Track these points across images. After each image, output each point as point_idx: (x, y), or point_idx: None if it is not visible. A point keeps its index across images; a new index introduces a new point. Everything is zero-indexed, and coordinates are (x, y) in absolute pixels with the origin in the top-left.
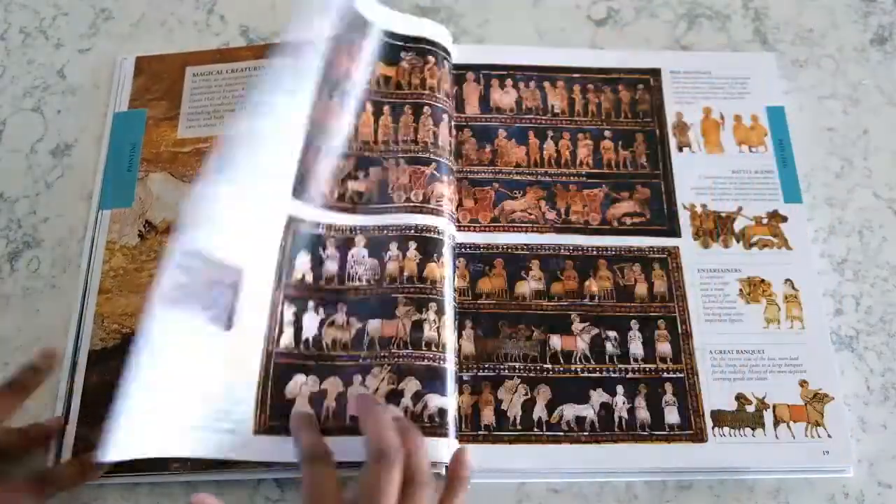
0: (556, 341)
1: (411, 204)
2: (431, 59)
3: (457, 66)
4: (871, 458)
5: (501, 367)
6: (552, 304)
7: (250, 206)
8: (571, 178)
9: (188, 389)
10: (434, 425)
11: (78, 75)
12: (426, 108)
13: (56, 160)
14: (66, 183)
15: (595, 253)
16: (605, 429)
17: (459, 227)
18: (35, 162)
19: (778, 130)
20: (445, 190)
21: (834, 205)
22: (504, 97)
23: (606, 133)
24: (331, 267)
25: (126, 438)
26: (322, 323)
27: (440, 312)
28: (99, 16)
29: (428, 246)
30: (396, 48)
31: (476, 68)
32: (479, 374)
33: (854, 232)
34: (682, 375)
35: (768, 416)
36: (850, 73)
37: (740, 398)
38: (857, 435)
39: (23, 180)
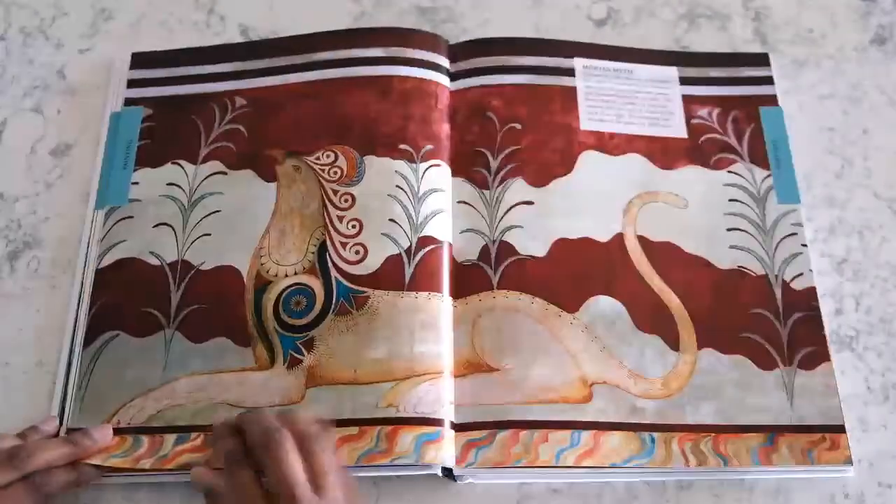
0: None
1: None
2: None
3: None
4: (871, 458)
5: None
6: None
7: None
8: None
9: None
10: None
11: (78, 75)
12: None
13: (56, 160)
14: (65, 183)
15: None
16: None
17: None
18: (35, 162)
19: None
20: None
21: (834, 205)
22: None
23: None
24: None
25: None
26: None
27: None
28: (99, 16)
29: None
30: None
31: None
32: None
33: (854, 232)
34: None
35: None
36: (850, 73)
37: None
38: (857, 435)
39: (23, 180)
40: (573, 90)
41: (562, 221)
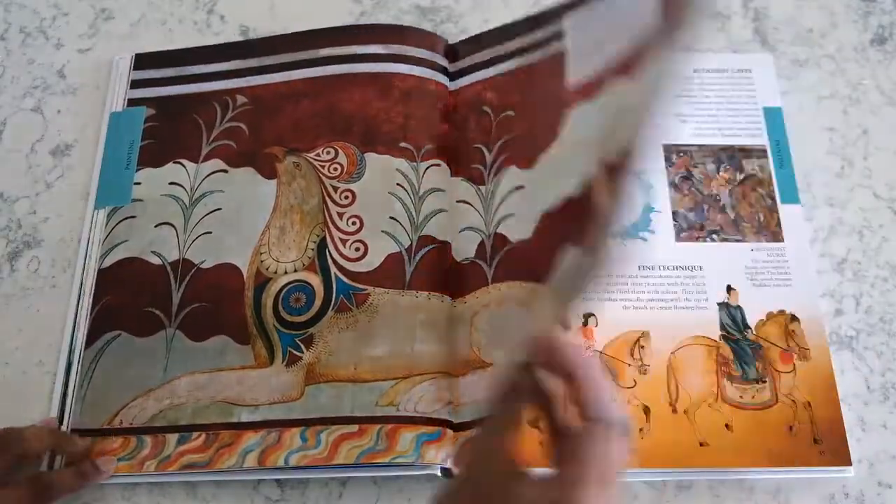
0: None
1: None
2: None
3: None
4: (871, 458)
5: None
6: None
7: None
8: None
9: None
10: None
11: (78, 75)
12: None
13: (56, 160)
14: (65, 183)
15: None
16: None
17: None
18: (35, 162)
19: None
20: None
21: (834, 205)
22: None
23: None
24: None
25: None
26: None
27: None
28: (99, 16)
29: None
30: None
31: None
32: None
33: (854, 232)
34: None
35: None
36: (850, 73)
37: None
38: (857, 435)
39: (23, 180)
40: (562, 56)
41: (549, 196)
